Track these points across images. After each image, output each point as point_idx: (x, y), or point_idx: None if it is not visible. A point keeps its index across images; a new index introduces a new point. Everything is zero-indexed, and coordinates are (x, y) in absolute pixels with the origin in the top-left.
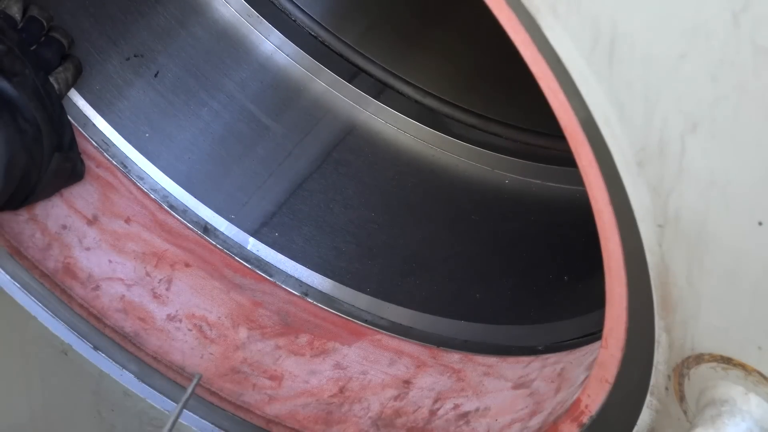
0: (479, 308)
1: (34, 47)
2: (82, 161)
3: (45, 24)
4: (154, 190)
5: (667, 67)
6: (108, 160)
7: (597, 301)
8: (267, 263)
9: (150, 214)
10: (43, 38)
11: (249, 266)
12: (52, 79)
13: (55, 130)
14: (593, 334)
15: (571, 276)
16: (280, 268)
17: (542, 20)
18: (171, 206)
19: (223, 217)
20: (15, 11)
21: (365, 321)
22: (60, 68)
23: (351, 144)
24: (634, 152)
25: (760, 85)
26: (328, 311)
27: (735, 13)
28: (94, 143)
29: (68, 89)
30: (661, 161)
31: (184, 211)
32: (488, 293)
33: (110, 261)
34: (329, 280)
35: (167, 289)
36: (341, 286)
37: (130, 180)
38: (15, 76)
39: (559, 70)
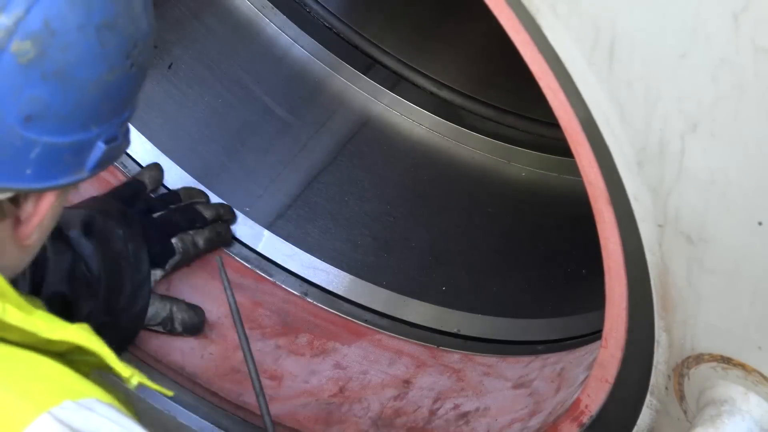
0: (496, 301)
1: (162, 213)
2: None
3: (182, 197)
4: None
5: (667, 67)
6: None
7: None
8: (267, 263)
9: None
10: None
11: (249, 266)
12: (175, 240)
13: (125, 299)
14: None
15: (589, 269)
16: (287, 265)
17: (542, 20)
18: None
19: (238, 209)
20: (146, 177)
21: (365, 321)
22: (191, 231)
23: (366, 136)
24: (634, 152)
25: (760, 85)
26: (328, 311)
27: (735, 13)
28: None
29: (196, 250)
30: (661, 161)
31: None
32: (505, 286)
33: None
34: (345, 273)
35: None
36: (357, 279)
37: None
38: (106, 238)
39: (559, 70)
